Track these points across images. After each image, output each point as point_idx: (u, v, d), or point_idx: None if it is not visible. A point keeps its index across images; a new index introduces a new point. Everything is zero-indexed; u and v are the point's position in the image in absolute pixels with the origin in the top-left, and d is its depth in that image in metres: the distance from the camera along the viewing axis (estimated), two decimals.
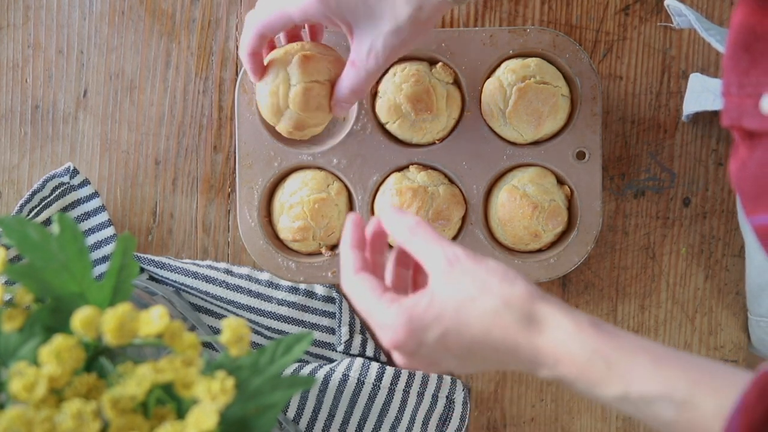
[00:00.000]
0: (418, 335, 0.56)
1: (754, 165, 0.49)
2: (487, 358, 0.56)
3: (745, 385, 0.48)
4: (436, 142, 0.85)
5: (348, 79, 0.72)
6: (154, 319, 0.54)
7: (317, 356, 0.89)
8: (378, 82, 0.84)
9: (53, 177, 0.85)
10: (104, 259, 0.87)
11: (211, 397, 0.53)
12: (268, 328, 0.87)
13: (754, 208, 0.50)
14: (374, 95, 0.85)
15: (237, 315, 0.86)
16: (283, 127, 0.76)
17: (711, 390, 0.49)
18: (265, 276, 0.87)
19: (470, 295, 0.55)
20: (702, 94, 0.82)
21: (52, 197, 0.86)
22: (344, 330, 0.86)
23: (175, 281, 0.86)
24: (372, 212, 0.85)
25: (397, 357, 0.59)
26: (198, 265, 0.86)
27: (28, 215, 0.84)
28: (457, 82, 0.85)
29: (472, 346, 0.55)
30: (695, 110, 0.83)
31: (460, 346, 0.56)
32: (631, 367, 0.51)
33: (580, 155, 0.84)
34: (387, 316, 0.57)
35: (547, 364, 0.53)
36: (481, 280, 0.55)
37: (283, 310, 0.86)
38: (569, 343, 0.52)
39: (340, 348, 0.87)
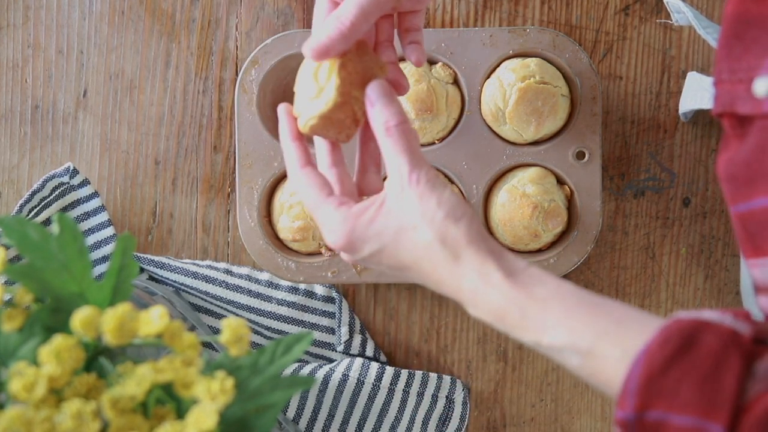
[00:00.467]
0: (356, 245, 0.59)
1: (747, 150, 0.49)
2: (418, 280, 0.59)
3: (652, 333, 0.49)
4: (436, 142, 0.85)
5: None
6: (154, 319, 0.54)
7: (317, 356, 0.89)
8: None
9: (53, 177, 0.85)
10: (104, 259, 0.87)
11: (210, 397, 0.53)
12: (268, 328, 0.87)
13: (742, 194, 0.50)
14: None
15: (237, 315, 0.86)
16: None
17: (615, 339, 0.50)
18: (264, 276, 0.87)
19: (413, 221, 0.57)
20: (698, 92, 0.82)
21: (51, 197, 0.86)
22: (344, 330, 0.86)
23: (175, 281, 0.86)
24: None
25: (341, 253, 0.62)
26: (198, 265, 0.86)
27: (28, 215, 0.84)
28: (457, 82, 0.85)
29: (404, 268, 0.59)
30: (691, 108, 0.83)
31: (393, 264, 0.59)
32: (541, 319, 0.53)
33: (580, 155, 0.84)
34: (331, 218, 0.59)
35: (468, 305, 0.57)
36: (429, 210, 0.57)
37: (283, 310, 0.86)
38: (486, 290, 0.55)
39: (340, 348, 0.87)
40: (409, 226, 0.57)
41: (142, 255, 0.86)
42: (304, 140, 0.64)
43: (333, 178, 0.64)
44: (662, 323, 0.50)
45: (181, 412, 0.56)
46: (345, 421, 0.86)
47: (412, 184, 0.58)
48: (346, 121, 0.62)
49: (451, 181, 0.85)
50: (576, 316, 0.53)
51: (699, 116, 0.87)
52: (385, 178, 0.75)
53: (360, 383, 0.85)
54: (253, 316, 0.86)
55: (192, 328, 0.86)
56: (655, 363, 0.48)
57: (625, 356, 0.49)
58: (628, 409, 0.48)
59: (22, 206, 0.84)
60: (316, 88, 0.62)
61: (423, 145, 0.85)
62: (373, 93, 0.61)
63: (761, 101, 0.48)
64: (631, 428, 0.48)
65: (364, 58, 0.63)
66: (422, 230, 0.57)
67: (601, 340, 0.51)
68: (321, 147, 0.65)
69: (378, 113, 0.60)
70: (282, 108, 0.64)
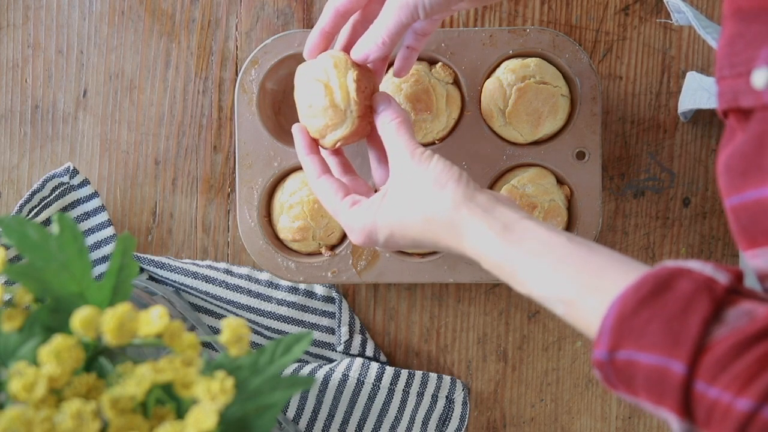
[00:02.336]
0: (372, 237, 0.66)
1: (744, 143, 0.50)
2: (433, 247, 0.64)
3: (632, 281, 0.51)
4: (436, 142, 0.85)
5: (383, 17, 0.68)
6: (154, 319, 0.54)
7: (317, 356, 0.89)
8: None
9: (53, 177, 0.85)
10: (104, 259, 0.87)
11: (210, 397, 0.53)
12: (268, 328, 0.87)
13: (736, 186, 0.50)
14: None
15: (237, 315, 0.86)
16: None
17: (597, 289, 0.53)
18: (264, 276, 0.87)
19: (409, 202, 0.63)
20: (697, 92, 0.82)
21: (51, 197, 0.86)
22: (344, 330, 0.86)
23: (175, 281, 0.86)
24: None
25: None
26: (198, 265, 0.86)
27: (28, 215, 0.84)
28: (456, 82, 0.85)
29: (415, 242, 0.65)
30: (689, 107, 0.83)
31: (408, 243, 0.65)
32: (531, 272, 0.57)
33: (580, 155, 0.84)
34: (349, 219, 0.67)
35: (473, 260, 0.61)
36: (419, 185, 0.63)
37: (283, 310, 0.86)
38: (483, 247, 0.60)
39: (340, 348, 0.87)
40: (407, 207, 0.63)
41: (142, 255, 0.86)
42: (318, 152, 0.72)
43: (348, 184, 0.71)
44: (646, 270, 0.52)
45: (180, 412, 0.56)
46: (345, 421, 0.86)
47: (406, 169, 0.64)
48: (366, 128, 0.71)
49: None
50: (562, 268, 0.56)
51: (699, 116, 0.87)
52: None
53: (360, 383, 0.85)
54: (253, 316, 0.86)
55: (192, 328, 0.86)
56: (628, 305, 0.50)
57: (603, 304, 0.52)
58: (602, 347, 0.51)
59: (22, 206, 0.84)
60: (331, 106, 0.69)
61: (423, 145, 0.85)
62: (378, 104, 0.69)
63: (761, 93, 0.48)
64: (605, 367, 0.51)
65: (363, 70, 0.70)
66: (416, 206, 0.63)
67: (583, 291, 0.54)
68: (330, 160, 0.74)
69: (382, 118, 0.68)
70: (296, 128, 0.73)
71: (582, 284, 0.54)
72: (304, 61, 0.73)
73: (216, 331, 0.88)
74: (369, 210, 0.66)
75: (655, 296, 0.49)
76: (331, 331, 0.88)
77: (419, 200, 0.63)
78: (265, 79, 0.84)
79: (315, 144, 0.72)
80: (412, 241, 0.65)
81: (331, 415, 0.86)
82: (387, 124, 0.67)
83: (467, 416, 0.88)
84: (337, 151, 0.74)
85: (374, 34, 0.68)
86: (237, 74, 0.88)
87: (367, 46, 0.68)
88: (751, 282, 0.84)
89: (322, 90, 0.69)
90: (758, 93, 0.48)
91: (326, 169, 0.71)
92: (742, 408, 0.45)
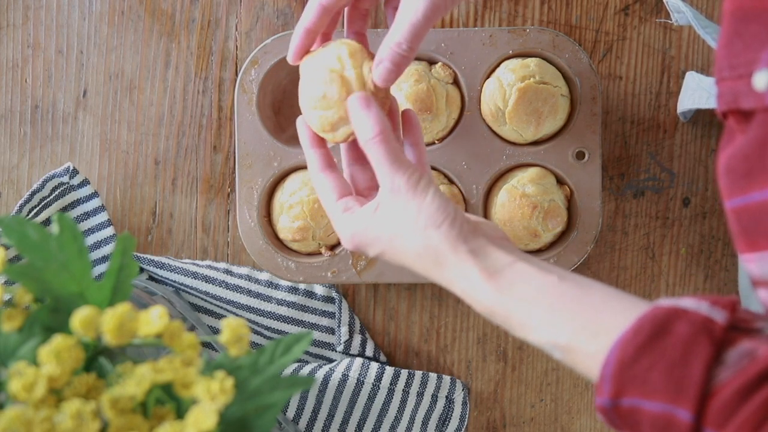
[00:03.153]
0: (361, 248, 0.64)
1: (746, 144, 0.50)
2: (426, 278, 0.63)
3: (628, 324, 0.51)
4: (436, 142, 0.85)
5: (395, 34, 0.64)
6: (154, 319, 0.54)
7: (317, 356, 0.89)
8: None
9: (53, 177, 0.85)
10: (104, 259, 0.87)
11: (210, 397, 0.53)
12: (268, 328, 0.87)
13: (739, 188, 0.50)
14: None
15: (236, 315, 0.86)
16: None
17: (593, 334, 0.52)
18: (264, 276, 0.87)
19: (401, 230, 0.61)
20: (696, 92, 0.81)
21: (51, 197, 0.86)
22: (344, 330, 0.86)
23: (175, 281, 0.86)
24: None
25: None
26: (197, 265, 0.86)
27: (28, 215, 0.84)
28: (456, 82, 0.85)
29: (405, 266, 0.63)
30: (688, 107, 0.83)
31: (395, 262, 0.63)
32: (524, 319, 0.56)
33: (580, 155, 0.84)
34: (339, 223, 0.65)
35: (464, 300, 0.60)
36: (413, 218, 0.60)
37: (283, 310, 0.86)
38: (473, 291, 0.58)
39: (340, 348, 0.87)
40: (398, 233, 0.61)
41: (141, 255, 0.86)
42: (324, 145, 0.68)
43: (348, 178, 0.69)
44: (641, 311, 0.51)
45: (180, 412, 0.56)
46: (345, 421, 0.86)
47: (396, 193, 0.61)
48: None
49: (451, 181, 0.85)
50: (558, 313, 0.55)
51: (699, 116, 0.87)
52: None
53: (360, 383, 0.85)
54: (252, 316, 0.86)
55: (192, 328, 0.86)
56: (628, 351, 0.49)
57: (601, 350, 0.51)
58: (605, 395, 0.50)
59: (21, 206, 0.84)
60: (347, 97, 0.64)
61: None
62: (350, 110, 0.63)
63: (762, 95, 0.48)
64: (609, 413, 0.50)
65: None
66: (408, 238, 0.61)
67: (578, 336, 0.53)
68: (343, 149, 0.69)
69: (357, 128, 0.63)
70: (300, 120, 0.68)
71: (577, 329, 0.54)
72: (309, 59, 0.69)
73: (216, 331, 0.88)
74: (360, 221, 0.63)
75: (654, 341, 0.49)
76: (330, 331, 0.88)
77: (412, 234, 0.61)
78: (265, 79, 0.84)
79: (320, 137, 0.68)
80: (401, 264, 0.63)
81: (330, 415, 0.86)
82: (365, 141, 0.62)
83: (467, 416, 0.88)
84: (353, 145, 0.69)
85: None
86: (237, 74, 0.88)
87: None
88: (743, 282, 0.84)
89: (337, 80, 0.64)
90: (759, 95, 0.48)
91: (328, 165, 0.67)
92: None
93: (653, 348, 0.49)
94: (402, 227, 0.61)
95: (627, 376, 0.49)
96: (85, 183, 0.87)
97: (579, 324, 0.54)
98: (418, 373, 0.86)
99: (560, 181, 0.85)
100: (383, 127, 0.62)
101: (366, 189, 0.68)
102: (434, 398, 0.87)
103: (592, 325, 0.53)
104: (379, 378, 0.85)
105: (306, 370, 0.85)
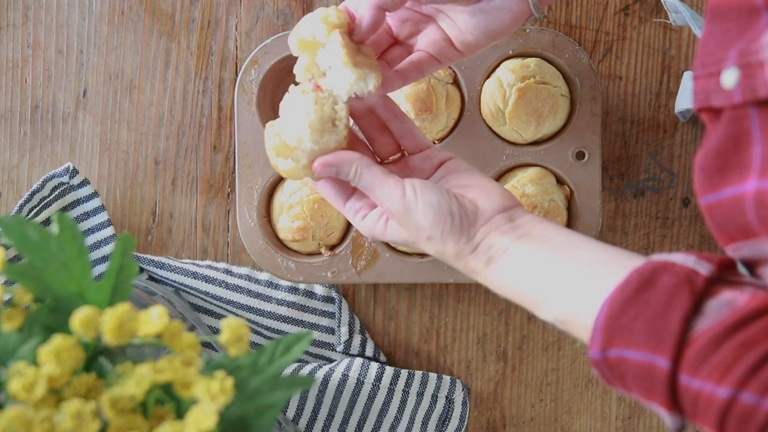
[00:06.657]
0: (378, 240, 0.68)
1: (716, 142, 0.51)
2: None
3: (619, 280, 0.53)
4: (436, 142, 0.85)
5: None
6: (154, 319, 0.54)
7: (317, 356, 0.89)
8: None
9: (53, 177, 0.85)
10: (104, 259, 0.87)
11: (210, 397, 0.53)
12: (268, 328, 0.87)
13: (712, 185, 0.51)
14: None
15: (236, 315, 0.86)
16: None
17: (585, 305, 0.54)
18: (264, 276, 0.87)
19: (411, 240, 0.64)
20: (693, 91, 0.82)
21: (51, 197, 0.86)
22: (343, 330, 0.86)
23: (175, 281, 0.86)
24: None
25: None
26: (197, 265, 0.86)
27: (28, 215, 0.84)
28: (456, 82, 0.85)
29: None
30: (685, 107, 0.83)
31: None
32: (528, 298, 0.60)
33: (580, 155, 0.84)
34: (356, 224, 0.67)
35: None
36: (414, 235, 0.63)
37: (283, 310, 0.86)
38: (485, 282, 0.62)
39: (340, 348, 0.87)
40: (410, 242, 0.65)
41: (141, 255, 0.86)
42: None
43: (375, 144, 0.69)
44: (629, 270, 0.53)
45: (180, 412, 0.56)
46: (345, 421, 0.86)
47: (390, 213, 0.63)
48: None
49: None
50: (550, 290, 0.58)
51: (698, 116, 0.87)
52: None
53: (360, 383, 0.85)
54: (252, 316, 0.86)
55: (192, 328, 0.86)
56: (616, 305, 0.51)
57: (592, 314, 0.53)
58: (595, 347, 0.52)
59: (21, 206, 0.84)
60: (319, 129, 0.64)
61: None
62: (321, 176, 0.65)
63: (731, 92, 0.49)
64: (601, 365, 0.53)
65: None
66: (420, 246, 0.64)
67: (573, 309, 0.56)
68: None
69: (339, 167, 0.64)
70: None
71: (570, 301, 0.56)
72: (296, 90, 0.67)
73: (216, 331, 0.88)
74: (374, 228, 0.66)
75: (640, 293, 0.51)
76: (330, 331, 0.88)
77: (421, 244, 0.64)
78: (265, 79, 0.84)
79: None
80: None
81: (330, 415, 0.86)
82: (360, 172, 0.63)
83: (467, 416, 0.88)
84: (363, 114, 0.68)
85: None
86: (237, 74, 0.88)
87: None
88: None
89: (318, 108, 0.64)
90: (728, 93, 0.49)
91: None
92: (722, 396, 0.46)
93: (638, 300, 0.51)
94: (411, 238, 0.64)
95: (615, 327, 0.51)
96: (85, 183, 0.87)
97: (571, 298, 0.56)
98: (418, 373, 0.86)
99: (560, 181, 0.85)
100: (356, 163, 0.63)
101: (389, 154, 0.69)
102: (434, 398, 0.87)
103: (584, 296, 0.55)
104: (379, 378, 0.85)
105: (306, 370, 0.85)
